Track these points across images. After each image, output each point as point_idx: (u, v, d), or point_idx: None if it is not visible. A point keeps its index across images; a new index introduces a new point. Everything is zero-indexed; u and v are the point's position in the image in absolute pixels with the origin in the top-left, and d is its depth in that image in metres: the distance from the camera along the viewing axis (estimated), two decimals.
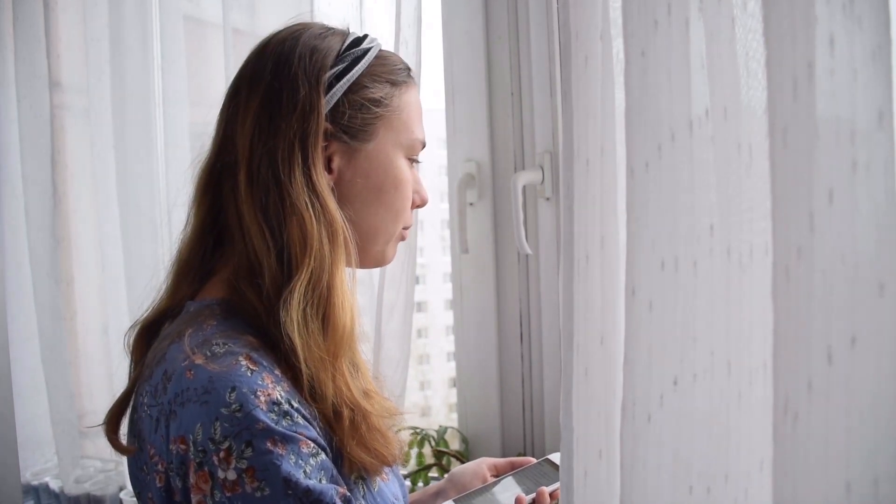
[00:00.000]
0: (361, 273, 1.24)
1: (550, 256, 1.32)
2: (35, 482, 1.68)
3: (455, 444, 1.42)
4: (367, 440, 0.78)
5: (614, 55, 0.67)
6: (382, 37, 0.90)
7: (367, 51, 0.84)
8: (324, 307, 0.77)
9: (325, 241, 0.77)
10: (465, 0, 1.36)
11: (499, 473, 1.03)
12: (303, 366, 0.74)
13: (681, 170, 0.62)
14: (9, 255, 1.62)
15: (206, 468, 0.69)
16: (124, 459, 1.19)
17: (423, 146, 0.89)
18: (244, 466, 0.68)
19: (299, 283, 0.75)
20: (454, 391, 1.47)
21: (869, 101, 0.48)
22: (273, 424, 0.69)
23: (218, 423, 0.69)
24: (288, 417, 0.71)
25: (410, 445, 1.41)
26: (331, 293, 0.77)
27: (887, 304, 0.48)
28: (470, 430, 1.42)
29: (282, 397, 0.71)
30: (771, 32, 0.53)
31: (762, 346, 0.60)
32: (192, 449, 0.69)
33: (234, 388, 0.70)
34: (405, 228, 0.89)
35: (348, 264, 0.81)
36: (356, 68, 0.82)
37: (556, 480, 0.95)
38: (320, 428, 0.75)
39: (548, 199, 1.31)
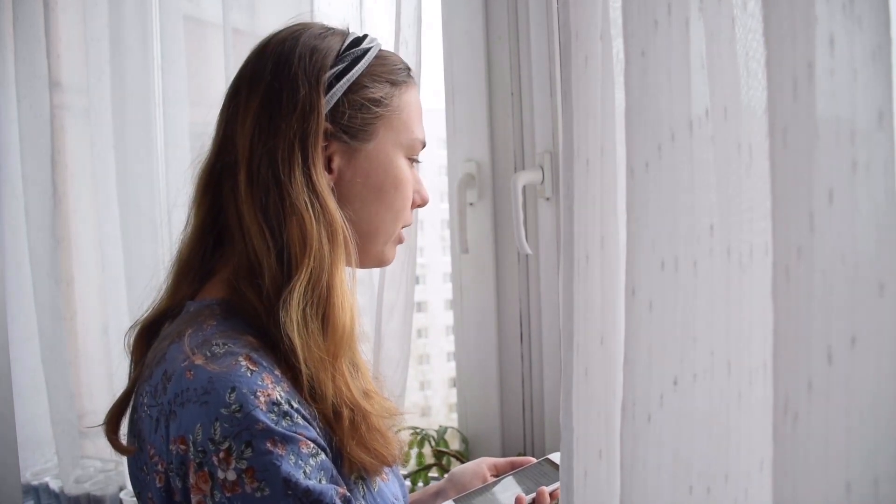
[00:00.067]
0: (361, 273, 1.24)
1: (550, 256, 1.32)
2: (35, 482, 1.68)
3: (455, 444, 1.42)
4: (366, 440, 0.78)
5: (614, 55, 0.67)
6: (382, 37, 0.90)
7: (366, 51, 0.84)
8: (323, 307, 0.77)
9: (325, 241, 0.77)
10: (465, 0, 1.36)
11: (499, 473, 1.03)
12: (302, 366, 0.74)
13: (681, 170, 0.62)
14: (9, 255, 1.62)
15: (205, 468, 0.69)
16: (124, 459, 1.19)
17: (424, 146, 0.89)
18: (244, 467, 0.68)
19: (299, 283, 0.75)
20: (454, 391, 1.47)
21: (869, 101, 0.48)
22: (273, 425, 0.69)
23: (218, 424, 0.69)
24: (288, 418, 0.71)
25: (410, 445, 1.41)
26: (330, 293, 0.77)
27: (887, 304, 0.48)
28: (470, 430, 1.42)
29: (281, 398, 0.71)
30: (771, 32, 0.53)
31: (762, 346, 0.60)
32: (191, 449, 0.69)
33: (233, 389, 0.70)
34: (403, 227, 0.89)
35: (348, 264, 0.81)
36: (356, 68, 0.82)
37: (556, 480, 0.95)
38: (320, 428, 0.75)
39: (548, 199, 1.31)
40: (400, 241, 0.90)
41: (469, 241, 1.37)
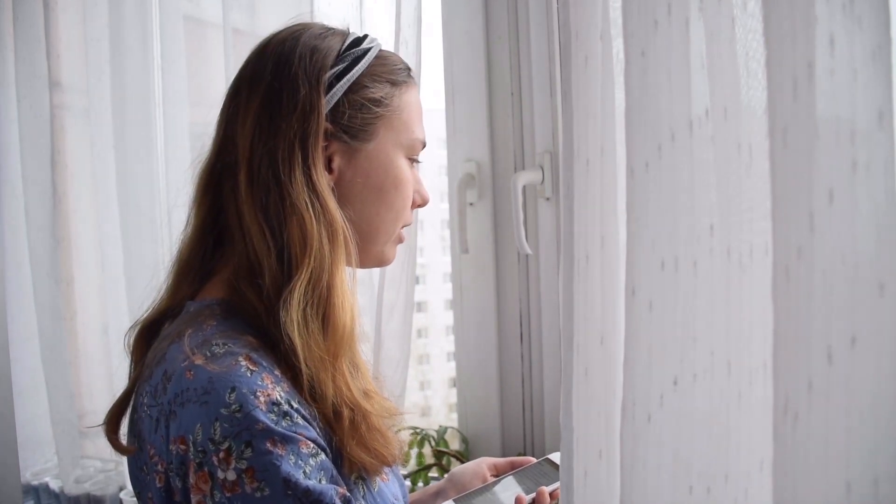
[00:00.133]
0: (361, 273, 1.24)
1: (550, 256, 1.32)
2: (35, 482, 1.68)
3: (455, 444, 1.42)
4: (367, 440, 0.78)
5: (614, 55, 0.67)
6: (382, 37, 0.90)
7: (367, 51, 0.84)
8: (324, 307, 0.77)
9: (325, 240, 0.77)
10: (465, 0, 1.36)
11: (499, 473, 1.03)
12: (303, 366, 0.74)
13: (681, 170, 0.62)
14: (9, 255, 1.62)
15: (205, 468, 0.69)
16: (124, 459, 1.19)
17: (424, 146, 0.89)
18: (244, 467, 0.68)
19: (299, 283, 0.75)
20: (454, 391, 1.47)
21: (869, 101, 0.48)
22: (273, 425, 0.69)
23: (218, 424, 0.69)
24: (287, 418, 0.71)
25: (410, 445, 1.41)
26: (331, 293, 0.77)
27: (887, 304, 0.48)
28: (470, 430, 1.42)
29: (281, 398, 0.71)
30: (771, 32, 0.53)
31: (762, 346, 0.60)
32: (191, 449, 0.69)
33: (233, 389, 0.70)
34: (404, 227, 0.89)
35: (348, 264, 0.81)
36: (356, 68, 0.82)
37: (556, 480, 0.95)
38: (320, 428, 0.75)
39: (548, 199, 1.31)
40: (400, 240, 0.90)
41: (469, 241, 1.37)
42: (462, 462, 1.30)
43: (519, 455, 1.32)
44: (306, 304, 0.75)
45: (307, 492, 0.69)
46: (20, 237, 1.61)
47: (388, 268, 1.21)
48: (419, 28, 1.22)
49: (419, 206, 0.91)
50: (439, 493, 1.03)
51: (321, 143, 0.80)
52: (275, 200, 0.77)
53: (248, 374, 0.71)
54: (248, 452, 0.68)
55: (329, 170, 0.82)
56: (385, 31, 1.25)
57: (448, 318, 1.73)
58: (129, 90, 1.48)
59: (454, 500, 0.96)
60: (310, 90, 0.79)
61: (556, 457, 0.99)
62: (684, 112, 0.61)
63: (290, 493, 0.68)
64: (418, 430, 1.42)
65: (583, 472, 0.69)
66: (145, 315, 0.85)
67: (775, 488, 0.53)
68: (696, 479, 0.62)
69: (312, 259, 0.76)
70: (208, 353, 0.72)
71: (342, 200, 0.82)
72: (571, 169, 0.69)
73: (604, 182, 0.68)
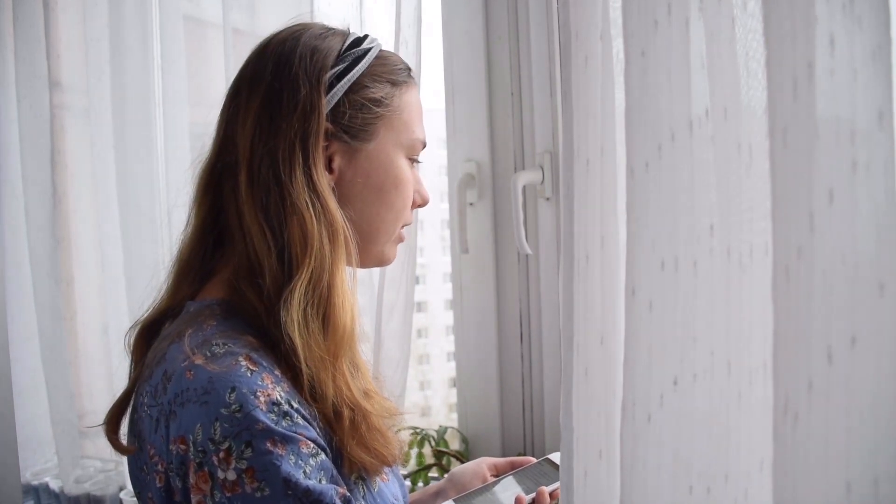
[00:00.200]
0: (361, 273, 1.24)
1: (550, 256, 1.32)
2: (35, 482, 1.68)
3: (455, 444, 1.42)
4: (367, 440, 0.78)
5: (614, 55, 0.67)
6: (382, 37, 0.90)
7: (367, 51, 0.84)
8: (324, 307, 0.77)
9: (326, 240, 0.77)
10: (465, 0, 1.36)
11: (499, 473, 1.03)
12: (303, 365, 0.74)
13: (681, 170, 0.62)
14: (9, 255, 1.62)
15: (205, 468, 0.69)
16: (124, 459, 1.19)
17: (424, 146, 0.89)
18: (244, 467, 0.68)
19: (300, 283, 0.75)
20: (454, 391, 1.47)
21: (869, 101, 0.48)
22: (273, 425, 0.69)
23: (218, 424, 0.69)
24: (288, 418, 0.71)
25: (410, 445, 1.41)
26: (331, 293, 0.77)
27: (887, 304, 0.48)
28: (470, 430, 1.42)
29: (281, 398, 0.71)
30: (771, 32, 0.53)
31: (762, 346, 0.60)
32: (191, 449, 0.69)
33: (233, 389, 0.70)
34: (404, 227, 0.89)
35: (349, 264, 0.81)
36: (357, 68, 0.82)
37: (556, 480, 0.95)
38: (320, 428, 0.75)
39: (548, 199, 1.31)
40: (400, 240, 0.90)
41: (469, 241, 1.37)
42: (462, 462, 1.30)
43: (519, 455, 1.32)
44: (307, 303, 0.75)
45: (307, 492, 0.69)
46: (20, 237, 1.61)
47: (388, 268, 1.21)
48: (419, 28, 1.22)
49: (419, 206, 0.91)
50: (439, 493, 1.03)
51: (322, 143, 0.80)
52: (275, 200, 0.77)
53: (249, 374, 0.71)
54: (248, 452, 0.68)
55: (329, 170, 0.82)
56: (385, 31, 1.25)
57: (448, 318, 1.73)
58: (129, 90, 1.48)
59: (454, 500, 0.96)
60: (310, 90, 0.79)
61: (556, 457, 0.99)
62: (684, 112, 0.61)
63: (290, 492, 0.68)
64: (418, 430, 1.42)
65: (583, 472, 0.69)
66: (145, 315, 0.85)
67: (775, 488, 0.53)
68: (696, 479, 0.62)
69: (313, 259, 0.76)
70: (208, 353, 0.72)
71: (342, 200, 0.82)
72: (571, 169, 0.69)
73: (604, 182, 0.68)
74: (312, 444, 0.72)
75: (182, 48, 1.45)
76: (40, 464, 1.71)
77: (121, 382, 0.85)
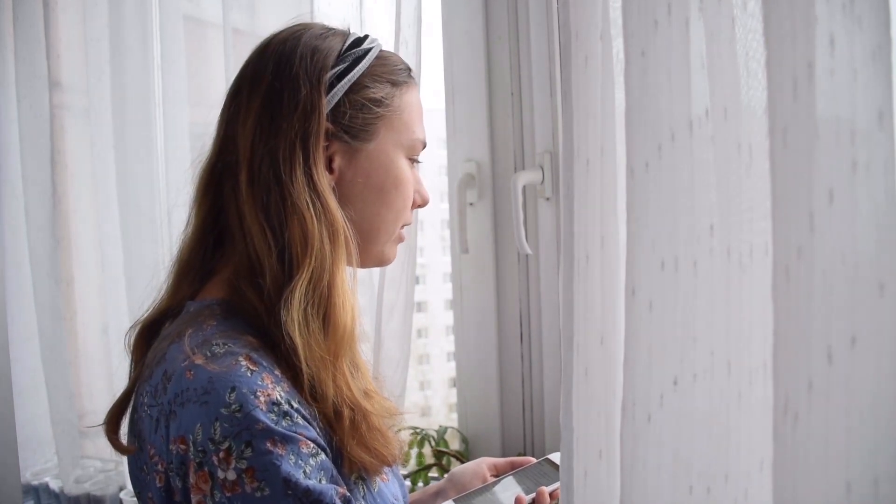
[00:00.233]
0: (361, 273, 1.24)
1: (550, 256, 1.32)
2: (35, 482, 1.68)
3: (455, 444, 1.42)
4: (367, 440, 0.78)
5: (614, 55, 0.67)
6: (382, 37, 0.90)
7: (367, 51, 0.84)
8: (325, 307, 0.77)
9: (326, 240, 0.77)
10: (465, 0, 1.36)
11: (499, 473, 1.03)
12: (303, 365, 0.74)
13: (681, 170, 0.62)
14: (9, 255, 1.62)
15: (205, 468, 0.69)
16: (124, 459, 1.19)
17: (424, 146, 0.89)
18: (244, 467, 0.68)
19: (300, 283, 0.75)
20: (454, 391, 1.47)
21: (869, 101, 0.48)
22: (273, 425, 0.69)
23: (218, 424, 0.69)
24: (288, 418, 0.71)
25: (410, 445, 1.41)
26: (332, 293, 0.77)
27: (887, 304, 0.48)
28: (470, 430, 1.42)
29: (281, 398, 0.71)
30: (771, 32, 0.53)
31: (762, 346, 0.60)
32: (191, 449, 0.69)
33: (233, 389, 0.70)
34: (404, 226, 0.89)
35: (349, 264, 0.81)
36: (357, 68, 0.82)
37: (556, 480, 0.95)
38: (320, 428, 0.75)
39: (548, 199, 1.31)
40: (400, 240, 0.90)
41: (469, 241, 1.37)
42: (462, 462, 1.30)
43: (519, 455, 1.32)
44: (307, 303, 0.75)
45: (307, 491, 0.69)
46: (20, 237, 1.61)
47: (388, 268, 1.21)
48: (419, 28, 1.22)
49: (419, 206, 0.91)
50: (439, 493, 1.03)
51: (322, 143, 0.80)
52: (276, 200, 0.77)
53: (249, 374, 0.71)
54: (248, 452, 0.68)
55: (330, 170, 0.82)
56: (385, 31, 1.25)
57: (448, 318, 1.73)
58: (129, 90, 1.48)
59: (454, 500, 0.96)
60: (311, 90, 0.79)
61: (556, 457, 0.99)
62: (684, 112, 0.61)
63: (290, 492, 0.68)
64: (418, 430, 1.42)
65: (583, 472, 0.69)
66: (145, 315, 0.85)
67: (775, 488, 0.53)
68: (696, 479, 0.62)
69: (313, 259, 0.76)
70: (208, 353, 0.72)
71: (343, 200, 0.82)
72: (571, 169, 0.69)
73: (604, 182, 0.68)
74: (312, 444, 0.72)
75: (182, 48, 1.46)
76: (40, 464, 1.71)
77: (121, 382, 0.85)
